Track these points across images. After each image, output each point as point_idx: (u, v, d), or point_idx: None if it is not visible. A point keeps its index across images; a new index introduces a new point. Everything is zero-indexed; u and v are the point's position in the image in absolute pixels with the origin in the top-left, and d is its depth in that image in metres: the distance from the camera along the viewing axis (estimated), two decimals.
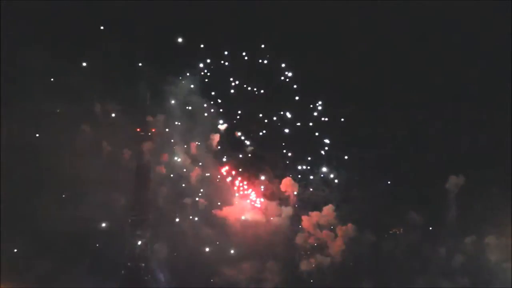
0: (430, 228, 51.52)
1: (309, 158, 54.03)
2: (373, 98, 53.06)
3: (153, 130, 51.66)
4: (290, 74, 53.95)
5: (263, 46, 53.48)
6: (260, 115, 54.21)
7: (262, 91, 54.11)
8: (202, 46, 52.85)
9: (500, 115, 52.03)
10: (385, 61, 53.20)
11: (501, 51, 51.61)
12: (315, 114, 54.10)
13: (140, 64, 51.12)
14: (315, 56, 52.73)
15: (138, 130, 51.45)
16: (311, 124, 54.16)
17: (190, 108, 52.58)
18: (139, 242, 49.92)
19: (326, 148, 54.04)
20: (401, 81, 53.21)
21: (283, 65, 53.96)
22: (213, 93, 53.46)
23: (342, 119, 53.75)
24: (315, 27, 52.75)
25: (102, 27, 51.12)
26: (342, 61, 52.70)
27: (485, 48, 52.11)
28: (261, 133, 54.19)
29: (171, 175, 52.31)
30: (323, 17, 52.96)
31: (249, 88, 54.17)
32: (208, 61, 53.45)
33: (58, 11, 49.60)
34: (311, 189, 53.68)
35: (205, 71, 53.49)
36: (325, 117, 54.10)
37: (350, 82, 52.51)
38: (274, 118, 54.04)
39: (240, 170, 53.72)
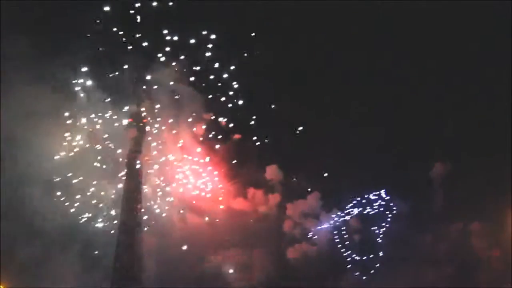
0: (416, 216, 51.27)
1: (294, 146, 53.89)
2: (358, 84, 53.10)
3: (145, 120, 51.42)
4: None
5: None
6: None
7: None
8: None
9: (487, 103, 51.47)
10: (374, 44, 53.01)
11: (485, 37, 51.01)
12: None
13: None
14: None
15: (130, 120, 51.17)
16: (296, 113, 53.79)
17: (176, 96, 52.00)
18: (129, 233, 49.91)
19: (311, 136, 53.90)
20: (387, 65, 52.91)
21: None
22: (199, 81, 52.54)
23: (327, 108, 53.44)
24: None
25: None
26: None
27: (470, 33, 51.55)
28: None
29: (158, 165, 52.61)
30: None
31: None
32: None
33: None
34: (295, 177, 53.70)
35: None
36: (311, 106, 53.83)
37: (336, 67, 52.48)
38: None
39: (226, 158, 53.65)
